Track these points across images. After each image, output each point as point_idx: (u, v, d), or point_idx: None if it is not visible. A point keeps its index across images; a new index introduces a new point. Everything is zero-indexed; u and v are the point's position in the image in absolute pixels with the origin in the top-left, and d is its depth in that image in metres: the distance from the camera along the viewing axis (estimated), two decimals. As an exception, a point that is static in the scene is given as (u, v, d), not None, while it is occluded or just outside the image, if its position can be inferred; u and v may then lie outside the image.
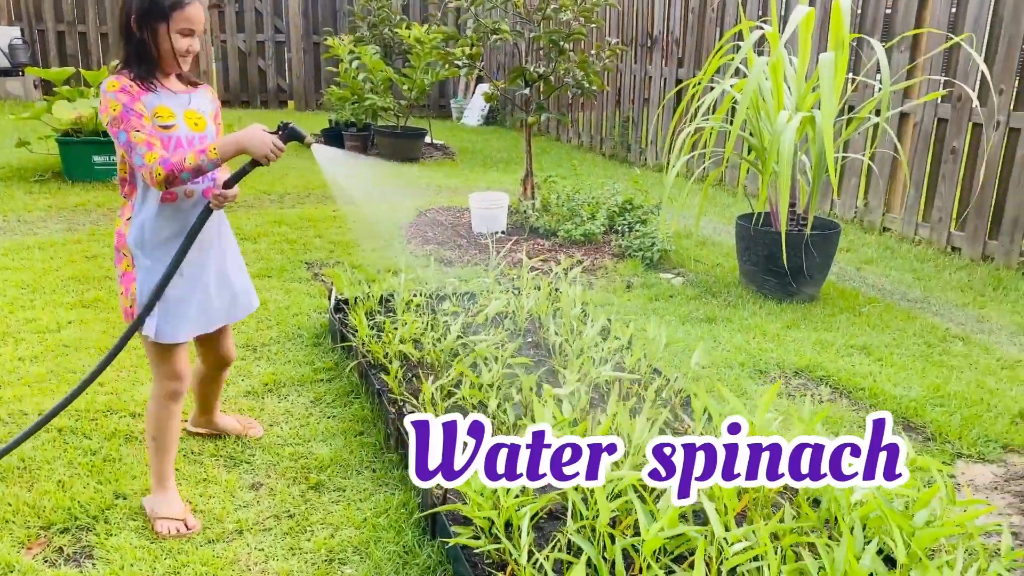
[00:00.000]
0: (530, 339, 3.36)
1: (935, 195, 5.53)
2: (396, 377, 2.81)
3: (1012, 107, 5.03)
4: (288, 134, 2.11)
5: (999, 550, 2.11)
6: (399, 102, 7.99)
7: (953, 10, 5.37)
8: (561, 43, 5.02)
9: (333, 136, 8.24)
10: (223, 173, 2.21)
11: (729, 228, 5.69)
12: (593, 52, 5.28)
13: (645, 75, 8.60)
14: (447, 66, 5.42)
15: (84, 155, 6.14)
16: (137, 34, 2.05)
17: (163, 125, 2.06)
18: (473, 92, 11.78)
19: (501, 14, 5.19)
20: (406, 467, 2.52)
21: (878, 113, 5.55)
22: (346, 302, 3.65)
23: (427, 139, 8.64)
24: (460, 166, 8.18)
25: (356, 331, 3.28)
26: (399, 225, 5.49)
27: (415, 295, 3.59)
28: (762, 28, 4.26)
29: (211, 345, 2.45)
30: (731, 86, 4.36)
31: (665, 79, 8.26)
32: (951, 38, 4.92)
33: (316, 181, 6.81)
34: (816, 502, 2.14)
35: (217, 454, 2.61)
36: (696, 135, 4.74)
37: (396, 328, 3.20)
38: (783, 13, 6.87)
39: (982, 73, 5.16)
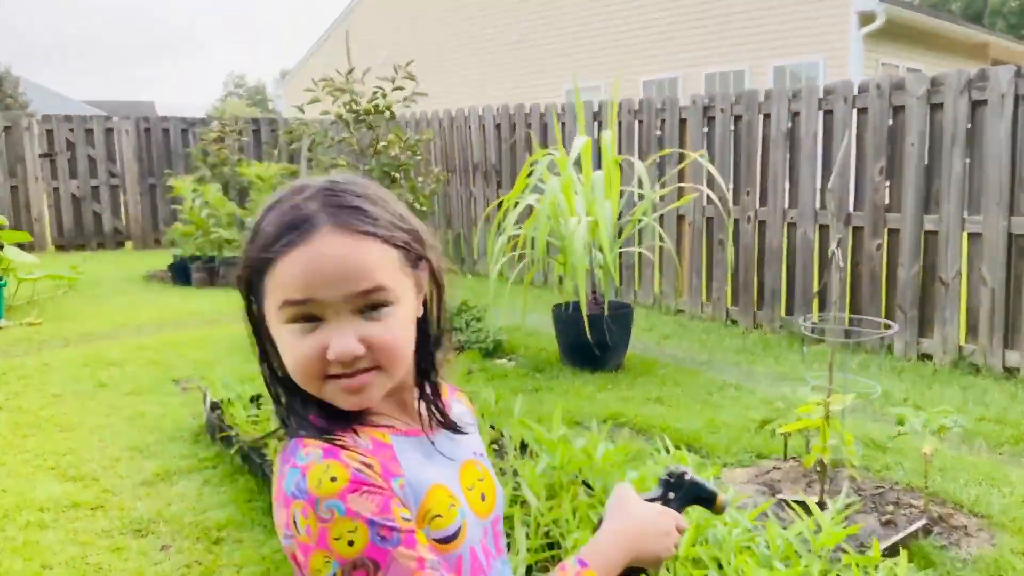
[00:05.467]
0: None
1: (712, 279, 6.70)
2: (277, 451, 3.36)
3: (758, 204, 6.32)
4: (687, 494, 1.16)
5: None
6: (244, 234, 8.55)
7: (705, 130, 6.70)
8: (393, 173, 5.88)
9: (180, 270, 8.63)
10: None
11: (548, 319, 6.59)
12: (421, 179, 6.17)
13: (470, 197, 9.64)
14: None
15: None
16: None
17: (442, 538, 0.92)
18: (312, 221, 12.47)
19: (337, 152, 6.00)
20: (292, 518, 3.07)
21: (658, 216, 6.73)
22: (219, 404, 4.15)
23: (273, 266, 9.19)
24: (306, 289, 8.76)
25: (231, 427, 3.80)
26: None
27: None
28: (552, 154, 5.28)
29: None
30: (537, 200, 5.32)
31: (488, 199, 9.32)
32: (701, 157, 6.19)
33: (169, 313, 7.19)
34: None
35: (124, 529, 3.04)
36: (512, 241, 5.64)
37: (268, 416, 3.75)
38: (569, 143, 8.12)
39: (735, 178, 6.45)
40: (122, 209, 12.14)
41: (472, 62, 17.51)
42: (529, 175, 5.41)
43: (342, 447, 0.87)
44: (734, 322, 6.53)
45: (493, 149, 9.17)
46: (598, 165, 5.99)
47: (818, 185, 5.96)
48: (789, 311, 6.16)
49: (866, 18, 12.37)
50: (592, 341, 4.89)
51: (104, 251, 11.76)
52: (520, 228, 5.48)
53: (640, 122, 7.22)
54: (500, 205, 5.52)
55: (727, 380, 5.03)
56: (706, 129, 6.70)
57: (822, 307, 5.88)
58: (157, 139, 12.08)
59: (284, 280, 0.88)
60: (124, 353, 5.69)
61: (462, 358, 5.63)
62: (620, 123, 7.35)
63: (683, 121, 6.87)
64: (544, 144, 8.36)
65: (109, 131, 11.85)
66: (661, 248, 6.96)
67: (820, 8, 12.84)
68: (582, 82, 15.96)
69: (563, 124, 8.24)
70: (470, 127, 9.57)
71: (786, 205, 6.16)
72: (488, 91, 16.58)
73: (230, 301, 7.76)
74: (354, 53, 5.98)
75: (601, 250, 5.28)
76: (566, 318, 5.16)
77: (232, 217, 8.35)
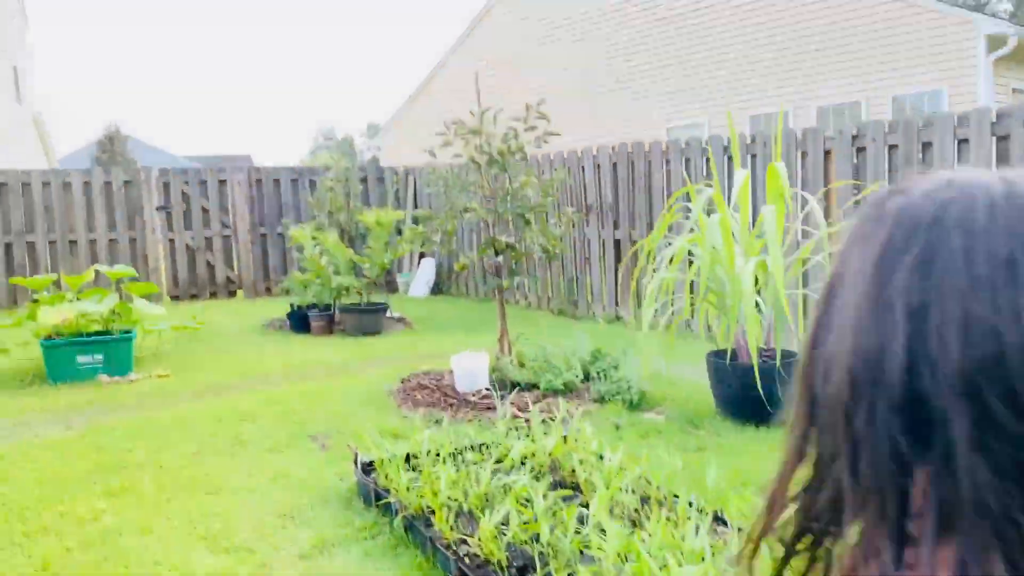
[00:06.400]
0: (553, 478, 3.64)
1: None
2: (447, 522, 3.05)
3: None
4: None
5: None
6: (360, 280, 8.43)
7: (855, 162, 6.23)
8: (526, 215, 5.60)
9: (299, 319, 8.55)
10: None
11: (690, 367, 6.15)
12: (553, 220, 5.89)
13: (584, 238, 9.33)
14: (424, 244, 5.95)
15: (68, 356, 6.29)
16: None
17: None
18: (418, 266, 12.37)
19: (469, 196, 5.77)
20: (475, 602, 2.73)
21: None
22: (370, 464, 3.88)
23: (387, 313, 9.05)
24: (421, 334, 8.56)
25: (388, 490, 3.51)
26: (386, 392, 5.76)
27: (438, 452, 3.85)
28: (706, 190, 4.91)
29: None
30: (687, 240, 4.95)
31: (603, 240, 8.99)
32: (858, 189, 5.72)
33: (293, 362, 7.06)
34: None
35: (291, 612, 2.76)
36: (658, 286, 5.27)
37: (432, 481, 3.44)
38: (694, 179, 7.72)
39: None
40: (234, 259, 12.31)
41: (577, 103, 17.24)
42: (672, 212, 5.05)
43: None
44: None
45: (609, 188, 8.87)
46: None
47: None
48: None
49: (996, 42, 11.66)
50: (762, 394, 4.45)
51: (216, 300, 11.90)
52: (667, 270, 5.10)
53: (778, 155, 6.78)
54: (623, 249, 5.18)
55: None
56: (855, 161, 6.23)
57: None
58: (268, 190, 12.26)
59: None
60: (255, 405, 5.52)
61: (604, 411, 5.25)
62: (755, 156, 6.95)
63: (827, 153, 6.42)
64: (669, 183, 8.02)
65: (222, 183, 12.08)
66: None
67: (943, 34, 12.18)
68: (684, 119, 15.59)
69: (686, 160, 7.88)
70: (583, 167, 9.31)
71: (955, 240, 5.61)
72: (593, 131, 16.34)
73: (353, 350, 7.60)
74: (453, 101, 5.78)
75: (760, 293, 4.86)
76: (729, 368, 4.73)
77: (351, 264, 8.24)
